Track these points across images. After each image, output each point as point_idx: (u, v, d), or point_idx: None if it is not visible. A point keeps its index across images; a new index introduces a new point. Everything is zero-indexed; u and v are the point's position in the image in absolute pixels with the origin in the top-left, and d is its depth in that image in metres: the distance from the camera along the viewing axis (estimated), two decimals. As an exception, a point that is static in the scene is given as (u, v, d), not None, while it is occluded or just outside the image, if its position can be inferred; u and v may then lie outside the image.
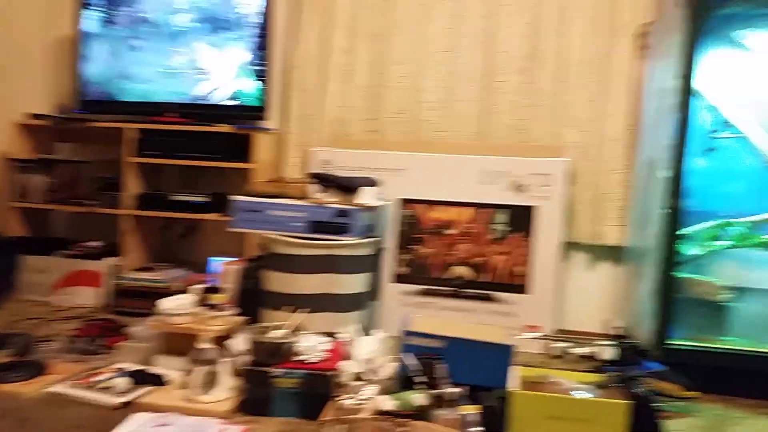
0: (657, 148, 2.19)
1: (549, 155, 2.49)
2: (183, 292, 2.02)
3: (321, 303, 2.11)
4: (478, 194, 2.53)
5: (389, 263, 2.57)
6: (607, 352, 2.21)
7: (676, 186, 2.01)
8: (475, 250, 2.54)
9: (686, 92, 1.97)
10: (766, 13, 2.17)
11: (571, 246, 2.66)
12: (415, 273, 2.58)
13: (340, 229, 2.10)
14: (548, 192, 2.45)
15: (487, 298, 2.53)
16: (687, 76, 1.97)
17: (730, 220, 2.23)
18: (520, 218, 2.49)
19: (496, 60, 2.65)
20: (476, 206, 2.53)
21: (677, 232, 2.05)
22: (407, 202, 2.59)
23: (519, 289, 2.49)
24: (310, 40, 2.80)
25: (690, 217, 2.15)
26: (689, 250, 2.21)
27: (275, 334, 1.74)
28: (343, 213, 2.11)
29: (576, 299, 2.69)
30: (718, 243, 2.23)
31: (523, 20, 2.61)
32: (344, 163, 2.61)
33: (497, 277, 2.51)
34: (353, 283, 2.19)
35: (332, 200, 2.15)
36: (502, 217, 2.52)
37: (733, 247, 2.22)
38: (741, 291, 2.22)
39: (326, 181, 2.21)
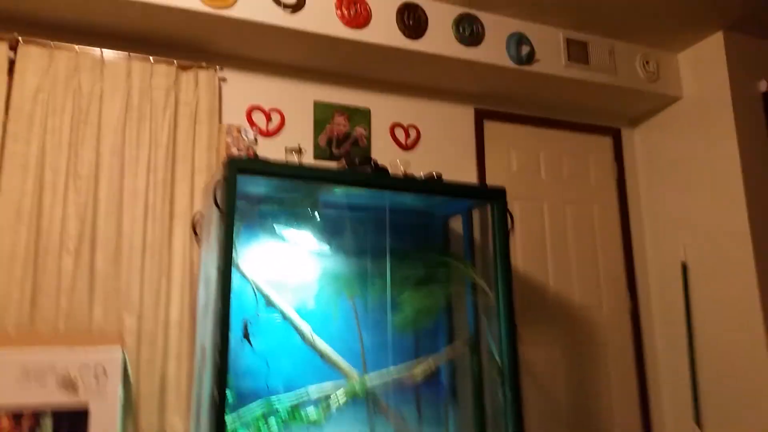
0: (206, 333, 2.26)
1: (105, 343, 2.33)
2: None
3: None
4: (18, 396, 2.16)
5: None
6: None
7: (221, 369, 2.05)
8: (12, 462, 2.13)
9: (226, 280, 2.11)
10: (293, 212, 2.58)
11: (133, 438, 2.46)
12: None
13: None
14: (103, 387, 2.26)
15: None
16: (226, 268, 2.12)
17: (276, 398, 2.39)
18: (71, 423, 2.20)
19: (46, 240, 2.44)
20: (14, 414, 2.15)
21: (224, 417, 2.08)
22: None
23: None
24: None
25: (243, 398, 2.23)
26: None
27: None
28: None
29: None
30: (271, 422, 2.36)
31: (77, 200, 2.51)
32: None
33: (39, 492, 2.13)
34: None
35: None
36: (48, 422, 2.19)
37: (286, 423, 2.38)
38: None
39: None
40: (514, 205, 3.43)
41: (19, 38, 2.54)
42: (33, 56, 2.55)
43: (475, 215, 3.07)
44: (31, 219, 2.43)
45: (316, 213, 2.67)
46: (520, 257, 3.40)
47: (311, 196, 2.60)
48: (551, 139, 3.64)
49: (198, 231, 2.64)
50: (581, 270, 3.53)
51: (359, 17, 2.87)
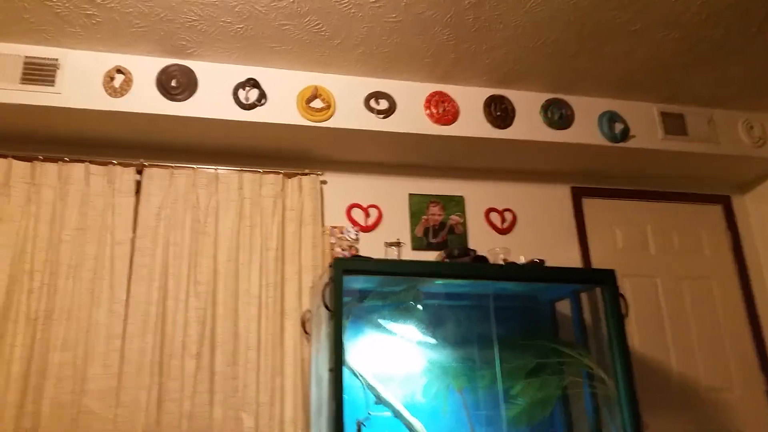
0: (321, 431, 2.30)
1: (225, 443, 2.41)
2: None
3: None
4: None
5: None
6: None
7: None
8: None
9: (337, 381, 2.15)
10: (397, 305, 2.62)
11: None
12: None
13: None
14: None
15: None
16: (337, 368, 2.16)
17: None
18: None
19: (170, 345, 2.61)
20: None
21: None
22: None
23: None
24: (-49, 327, 2.45)
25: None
26: None
27: None
28: None
29: None
30: None
31: (197, 305, 2.69)
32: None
33: None
34: None
35: None
36: None
37: None
38: None
39: None
40: (625, 283, 3.30)
41: (145, 163, 2.85)
42: (156, 177, 2.85)
43: (584, 297, 2.97)
44: (157, 326, 2.62)
45: (419, 305, 2.69)
46: (636, 337, 3.22)
47: (414, 289, 2.64)
48: (657, 212, 3.51)
49: (307, 328, 2.73)
50: (705, 349, 3.28)
51: (447, 114, 2.99)
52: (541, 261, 2.58)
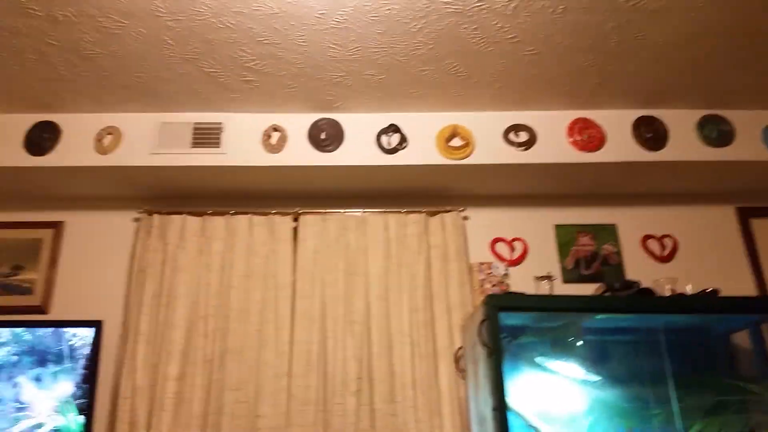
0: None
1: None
2: None
3: None
4: None
5: None
6: None
7: None
8: None
9: (503, 422, 2.11)
10: (554, 341, 2.53)
11: None
12: None
13: None
14: None
15: None
16: (501, 408, 2.12)
17: None
18: None
19: (332, 383, 2.72)
20: None
21: None
22: None
23: None
24: (140, 369, 2.73)
25: None
26: None
27: None
28: None
29: None
30: None
31: (353, 344, 2.77)
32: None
33: None
34: None
35: None
36: None
37: None
38: None
39: None
40: (810, 311, 2.94)
41: (300, 211, 3.04)
42: (310, 223, 3.02)
43: (765, 328, 2.69)
44: (319, 364, 2.74)
45: (579, 341, 2.58)
46: (831, 373, 2.84)
47: (573, 324, 2.54)
48: (840, 230, 3.13)
49: (461, 367, 2.72)
50: None
51: (593, 140, 2.90)
52: (715, 290, 2.38)
